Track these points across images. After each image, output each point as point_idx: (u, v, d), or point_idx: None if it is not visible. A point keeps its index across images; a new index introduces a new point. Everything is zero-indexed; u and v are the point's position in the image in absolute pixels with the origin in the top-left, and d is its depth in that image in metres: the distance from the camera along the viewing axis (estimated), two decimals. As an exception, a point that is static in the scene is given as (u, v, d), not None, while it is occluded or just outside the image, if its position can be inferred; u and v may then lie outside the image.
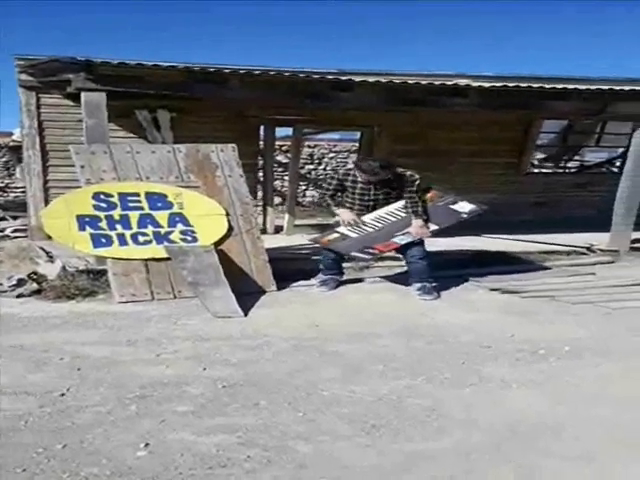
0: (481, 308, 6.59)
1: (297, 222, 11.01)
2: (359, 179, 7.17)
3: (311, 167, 16.72)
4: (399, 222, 7.15)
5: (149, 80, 7.83)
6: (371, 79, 8.58)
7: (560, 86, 9.21)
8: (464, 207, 7.45)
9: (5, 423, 3.73)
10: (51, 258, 7.97)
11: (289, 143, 14.98)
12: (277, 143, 12.70)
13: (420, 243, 7.06)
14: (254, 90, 8.26)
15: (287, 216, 10.76)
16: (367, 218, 7.17)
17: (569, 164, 15.22)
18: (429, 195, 7.41)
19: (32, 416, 3.83)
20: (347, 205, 7.30)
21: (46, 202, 9.68)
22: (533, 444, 3.55)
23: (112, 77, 7.62)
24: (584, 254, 9.34)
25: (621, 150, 15.04)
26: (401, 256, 7.69)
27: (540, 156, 15.37)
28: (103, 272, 7.07)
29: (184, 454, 3.39)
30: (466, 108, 9.17)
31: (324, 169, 17.32)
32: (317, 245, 7.51)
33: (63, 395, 4.17)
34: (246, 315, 6.21)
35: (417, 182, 7.20)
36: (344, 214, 7.21)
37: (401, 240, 6.99)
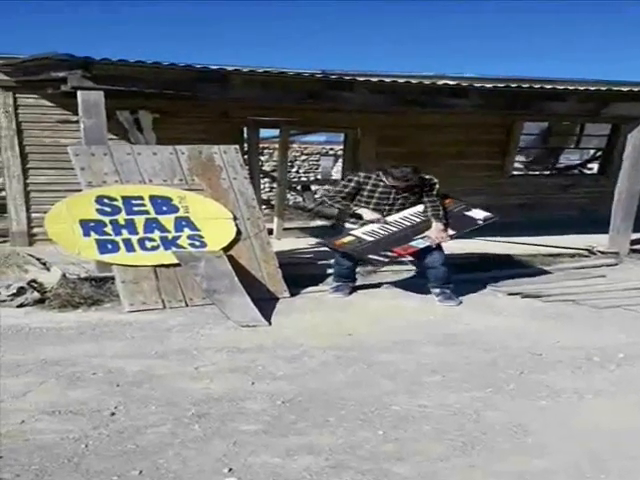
0: (508, 313, 6.41)
1: (285, 225, 10.71)
2: (381, 184, 6.92)
3: (284, 170, 16.39)
4: (416, 226, 6.92)
5: (148, 79, 7.42)
6: (374, 79, 8.33)
7: (560, 87, 9.10)
8: (478, 214, 7.28)
9: (64, 447, 3.39)
10: (45, 265, 7.55)
11: (264, 145, 14.76)
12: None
13: (439, 249, 6.84)
14: (255, 89, 7.91)
15: (276, 219, 10.44)
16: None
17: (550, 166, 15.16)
18: (447, 201, 7.22)
19: (90, 439, 3.49)
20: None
21: (27, 206, 9.26)
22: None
23: (110, 76, 7.21)
24: (586, 256, 9.23)
25: (593, 152, 15.15)
26: (411, 260, 7.48)
27: (526, 159, 15.32)
28: (106, 279, 6.71)
29: (276, 480, 3.09)
30: (467, 109, 8.97)
31: (297, 172, 17.06)
32: (329, 248, 7.20)
33: (114, 415, 3.83)
34: (270, 324, 5.90)
35: (437, 186, 7.02)
36: (367, 214, 6.91)
37: (420, 244, 6.75)
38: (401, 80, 8.49)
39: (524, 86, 8.80)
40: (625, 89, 9.31)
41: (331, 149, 18.29)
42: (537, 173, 14.75)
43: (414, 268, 7.80)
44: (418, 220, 6.97)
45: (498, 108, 9.19)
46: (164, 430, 3.63)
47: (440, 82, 8.81)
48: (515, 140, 12.35)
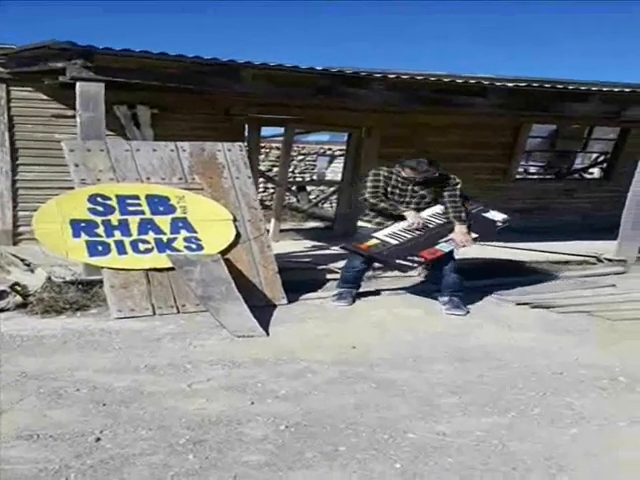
0: (519, 325, 6.04)
1: (281, 227, 10.33)
2: (399, 179, 6.57)
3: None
4: (439, 228, 6.58)
5: (153, 71, 7.00)
6: (391, 76, 7.94)
7: (583, 88, 8.77)
8: (496, 216, 6.96)
9: (42, 482, 3.00)
10: (29, 266, 7.16)
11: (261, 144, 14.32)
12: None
13: (451, 255, 6.50)
14: (265, 84, 7.48)
15: (273, 221, 10.03)
16: (403, 224, 6.54)
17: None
18: (466, 203, 6.85)
19: (71, 470, 3.10)
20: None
21: (14, 204, 8.84)
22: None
23: (112, 67, 6.79)
24: (592, 264, 8.89)
25: (595, 156, 14.78)
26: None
27: (537, 164, 14.99)
28: (93, 283, 6.32)
29: (283, 526, 2.71)
30: (487, 109, 8.59)
31: (292, 172, 16.64)
32: (354, 252, 6.63)
33: (99, 440, 3.44)
34: (268, 334, 5.52)
35: (459, 186, 6.70)
36: (411, 216, 6.52)
37: (445, 247, 6.40)
38: (419, 78, 8.12)
39: (546, 85, 8.48)
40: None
41: (329, 149, 17.92)
42: (538, 177, 14.42)
43: (414, 274, 7.41)
44: (440, 222, 6.64)
45: (518, 108, 8.84)
46: (155, 460, 3.23)
47: (459, 81, 8.41)
48: (522, 143, 11.96)
